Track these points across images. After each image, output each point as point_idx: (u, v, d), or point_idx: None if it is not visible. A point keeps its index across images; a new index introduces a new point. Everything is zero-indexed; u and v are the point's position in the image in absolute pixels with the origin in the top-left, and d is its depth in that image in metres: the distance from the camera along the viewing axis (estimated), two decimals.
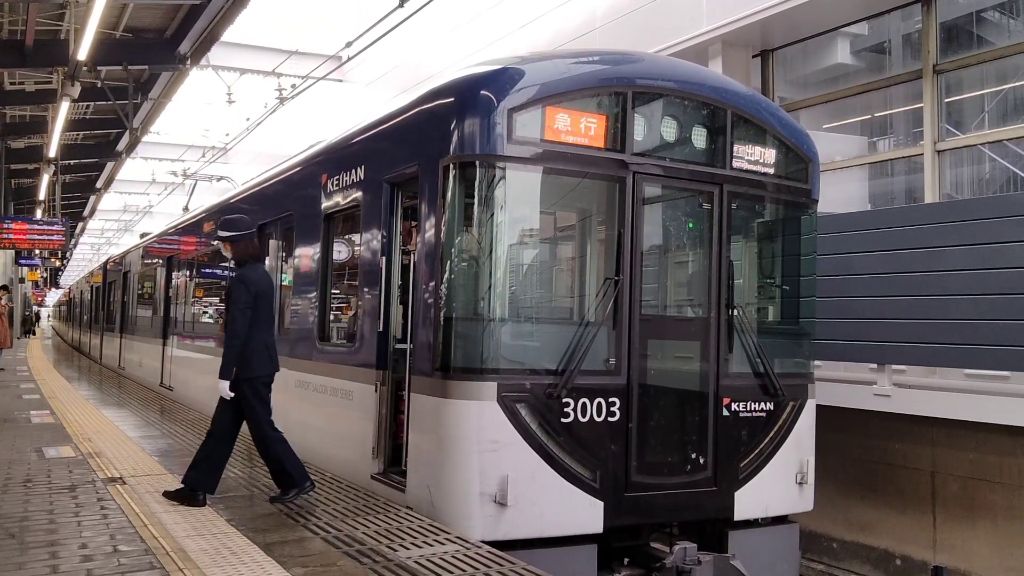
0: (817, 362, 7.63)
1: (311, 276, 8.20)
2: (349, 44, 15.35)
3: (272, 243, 9.64)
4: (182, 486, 6.23)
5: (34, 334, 47.03)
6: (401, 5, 12.56)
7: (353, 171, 7.33)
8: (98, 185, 31.50)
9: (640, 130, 6.09)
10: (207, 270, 13.23)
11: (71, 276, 64.25)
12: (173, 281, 14.91)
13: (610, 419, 5.79)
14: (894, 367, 8.48)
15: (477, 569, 4.64)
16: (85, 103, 20.11)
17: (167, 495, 6.23)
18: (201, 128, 28.91)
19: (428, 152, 6.04)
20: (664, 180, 6.26)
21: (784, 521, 6.64)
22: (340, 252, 7.97)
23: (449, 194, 5.76)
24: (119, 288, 20.65)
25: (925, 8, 10.33)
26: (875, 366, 8.57)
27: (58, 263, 49.62)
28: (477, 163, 5.66)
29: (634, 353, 5.91)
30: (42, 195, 27.20)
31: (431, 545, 5.06)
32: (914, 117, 10.89)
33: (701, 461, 6.16)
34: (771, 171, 6.68)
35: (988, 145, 10.20)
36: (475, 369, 5.56)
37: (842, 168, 11.75)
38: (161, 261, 15.92)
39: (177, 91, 19.35)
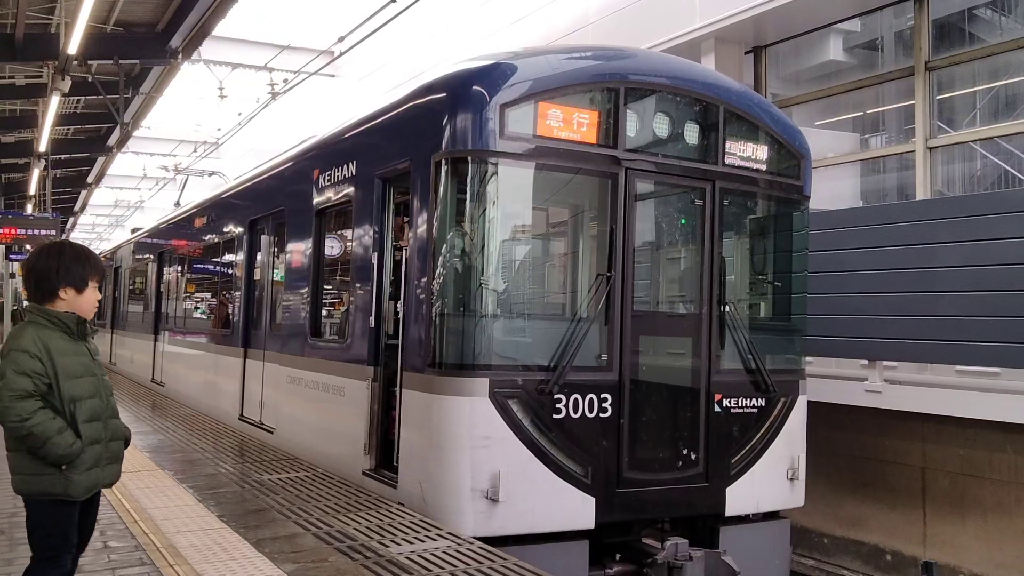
0: (808, 358, 7.64)
1: (302, 272, 8.17)
2: (341, 39, 15.34)
3: (263, 238, 9.61)
4: None
5: None
6: (393, 0, 12.53)
7: (345, 166, 7.31)
8: (89, 180, 31.33)
9: (632, 126, 6.09)
10: (199, 265, 13.19)
11: None
12: (164, 276, 14.86)
13: (602, 415, 5.79)
14: (885, 363, 8.50)
15: (469, 565, 4.64)
16: (76, 97, 20.00)
17: None
18: (192, 123, 28.80)
19: (420, 147, 6.02)
20: (656, 176, 6.26)
21: (775, 517, 6.66)
22: (332, 247, 7.95)
23: (441, 189, 5.75)
24: (110, 283, 20.58)
25: (918, 5, 10.35)
26: (866, 362, 8.59)
27: None
28: (469, 158, 5.65)
29: (626, 349, 5.90)
30: (33, 190, 27.04)
31: (423, 541, 5.05)
32: (906, 114, 10.91)
33: (692, 457, 6.17)
34: (763, 167, 6.68)
35: (979, 142, 10.23)
36: (467, 365, 5.55)
37: (834, 165, 11.76)
38: (152, 256, 15.86)
39: (168, 86, 19.24)
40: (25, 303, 3.62)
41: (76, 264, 3.55)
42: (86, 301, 3.58)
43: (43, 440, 3.32)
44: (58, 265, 3.51)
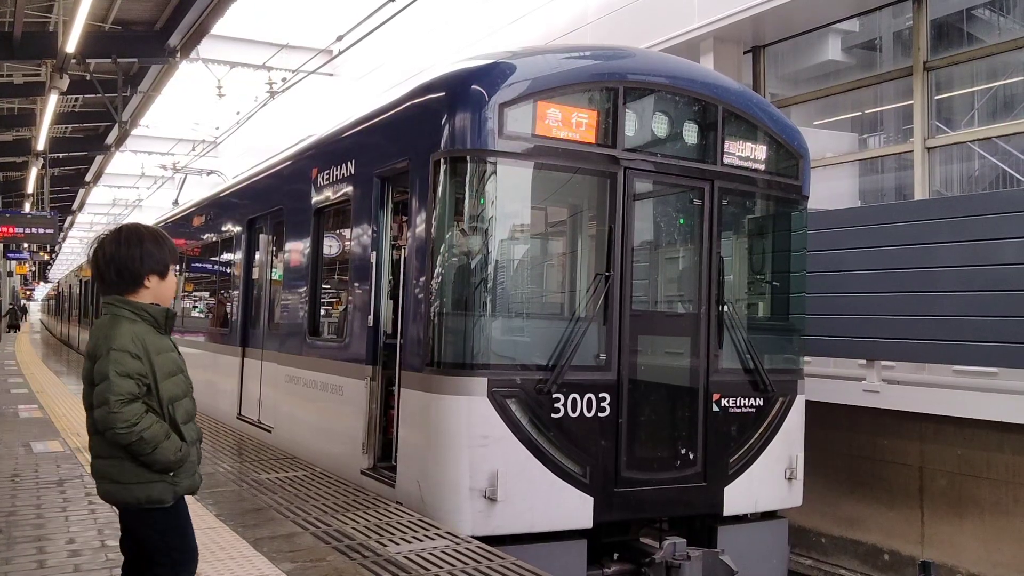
0: (807, 358, 7.64)
1: (301, 271, 8.17)
2: (340, 38, 15.30)
3: (262, 237, 9.61)
4: None
5: (19, 328, 44.65)
6: None
7: (343, 165, 7.31)
8: (87, 179, 31.27)
9: (631, 126, 6.09)
10: (197, 264, 13.18)
11: (60, 270, 63.92)
12: None
13: (600, 415, 5.79)
14: (883, 363, 8.51)
15: (467, 564, 4.64)
16: (74, 96, 19.94)
17: None
18: (191, 122, 28.76)
19: (419, 146, 6.02)
20: (655, 176, 6.26)
21: (773, 516, 6.66)
22: (330, 247, 7.94)
23: (440, 189, 5.75)
24: None
25: (916, 5, 10.36)
26: (864, 362, 8.60)
27: (47, 257, 49.28)
28: (468, 158, 5.65)
29: (624, 349, 5.91)
30: (31, 188, 26.99)
31: (421, 540, 5.05)
32: (904, 114, 10.92)
33: (691, 457, 6.17)
34: (762, 167, 6.68)
35: (977, 142, 10.24)
36: (465, 364, 5.55)
37: (833, 164, 11.77)
38: None
39: (167, 84, 19.21)
40: (102, 297, 3.21)
41: (157, 248, 3.23)
42: (169, 287, 3.27)
43: (153, 446, 3.03)
44: (140, 252, 3.18)
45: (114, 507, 3.27)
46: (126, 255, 3.16)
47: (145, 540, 3.16)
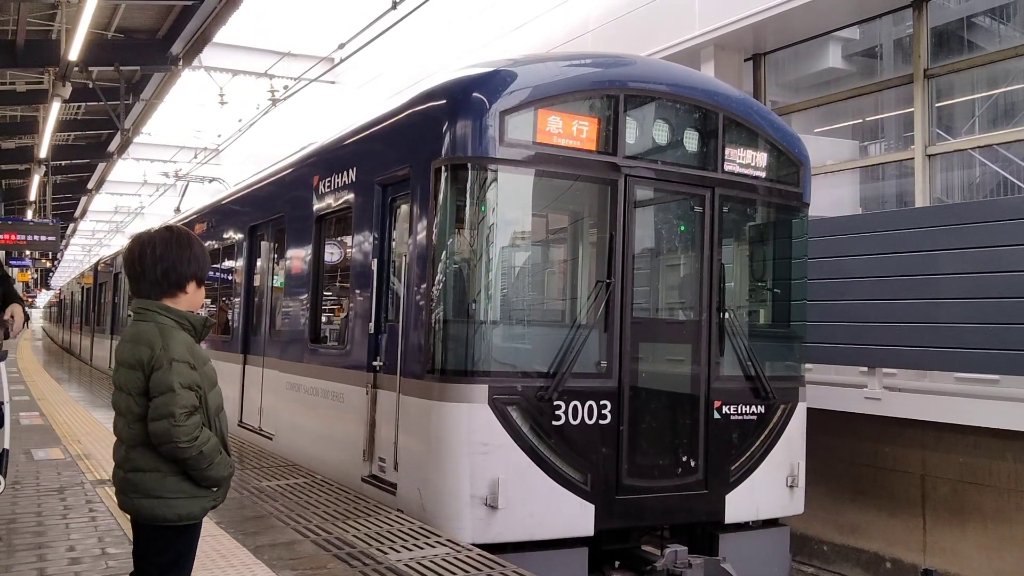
0: (808, 365, 7.63)
1: (302, 278, 8.18)
2: (342, 46, 15.34)
3: (263, 245, 9.61)
4: None
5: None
6: (394, 7, 12.56)
7: (345, 173, 7.32)
8: (89, 186, 31.35)
9: (632, 133, 6.10)
10: None
11: (62, 277, 63.96)
12: None
13: (601, 422, 5.79)
14: (885, 370, 8.50)
15: (467, 572, 4.63)
16: (76, 104, 20.01)
17: None
18: (193, 129, 28.79)
19: (420, 154, 6.03)
20: (656, 183, 6.27)
21: (775, 524, 6.65)
22: (331, 254, 7.95)
23: (441, 196, 5.76)
24: (110, 289, 20.58)
25: (916, 13, 10.37)
26: (866, 369, 8.59)
27: (49, 264, 49.34)
28: (469, 165, 5.66)
29: (625, 356, 5.90)
30: (33, 196, 27.04)
31: (421, 548, 5.04)
32: (905, 121, 10.92)
33: (692, 464, 6.16)
34: (762, 174, 6.69)
35: (978, 149, 10.24)
36: (466, 371, 5.55)
37: (833, 172, 11.78)
38: None
39: (169, 92, 19.26)
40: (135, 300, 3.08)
41: (203, 254, 3.13)
42: (201, 297, 3.16)
43: (209, 461, 2.92)
44: (190, 254, 3.06)
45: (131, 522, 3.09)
46: (176, 256, 3.04)
47: (158, 557, 2.99)
